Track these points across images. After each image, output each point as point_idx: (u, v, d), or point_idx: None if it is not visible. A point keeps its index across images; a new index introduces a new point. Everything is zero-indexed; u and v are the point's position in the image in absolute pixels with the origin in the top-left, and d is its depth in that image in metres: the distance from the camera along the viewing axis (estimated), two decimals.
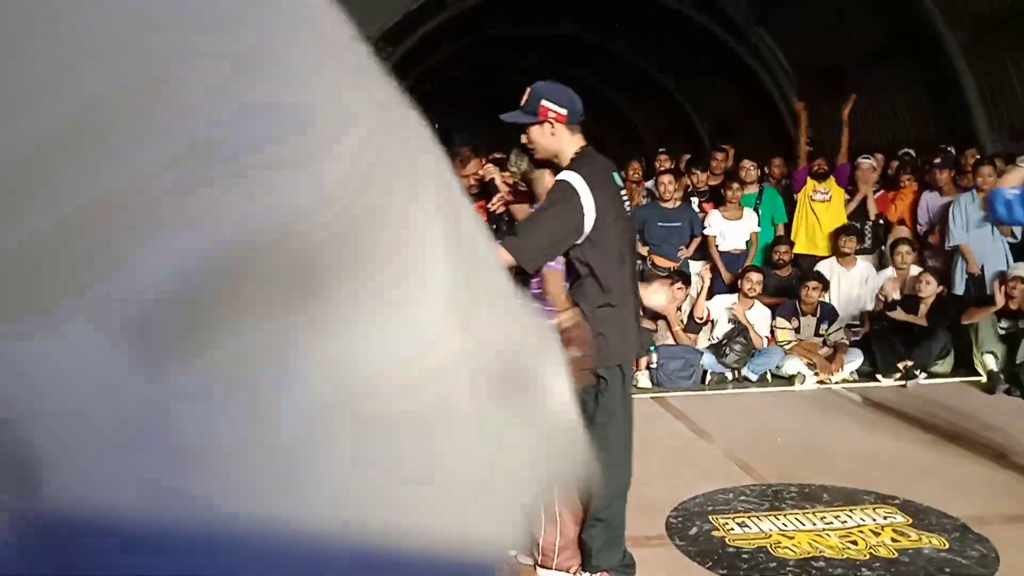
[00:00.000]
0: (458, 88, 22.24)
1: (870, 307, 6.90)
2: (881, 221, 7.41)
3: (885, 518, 3.77)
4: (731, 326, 6.52)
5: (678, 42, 16.14)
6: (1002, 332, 6.26)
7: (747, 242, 7.18)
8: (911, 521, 3.73)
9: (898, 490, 4.08)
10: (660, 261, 7.08)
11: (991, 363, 6.06)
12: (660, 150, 8.06)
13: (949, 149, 8.55)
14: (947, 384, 6.28)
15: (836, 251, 6.95)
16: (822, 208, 7.20)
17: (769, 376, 6.45)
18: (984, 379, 6.08)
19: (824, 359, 6.38)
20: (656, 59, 17.79)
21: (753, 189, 7.42)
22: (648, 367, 6.39)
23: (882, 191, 7.56)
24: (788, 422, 5.41)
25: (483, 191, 4.31)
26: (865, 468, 4.43)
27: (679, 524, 3.77)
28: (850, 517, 3.79)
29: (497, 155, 7.07)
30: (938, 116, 11.60)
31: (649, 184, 7.56)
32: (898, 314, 6.42)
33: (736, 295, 6.65)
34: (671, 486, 4.21)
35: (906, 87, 12.13)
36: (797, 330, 6.58)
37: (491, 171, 4.14)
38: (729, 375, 6.48)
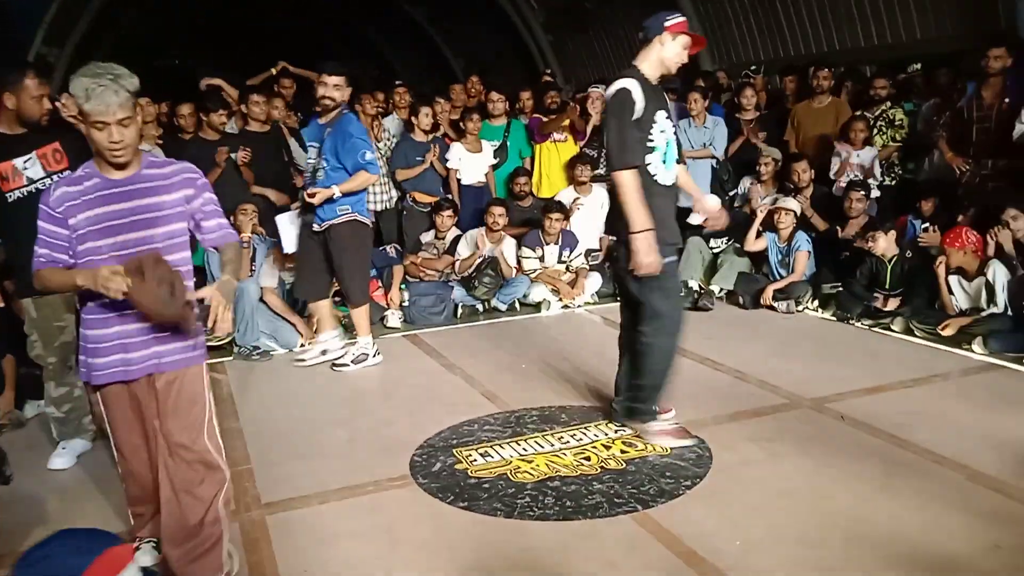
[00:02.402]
0: (201, 23, 20.56)
1: (607, 231, 7.24)
2: None
3: (616, 432, 3.97)
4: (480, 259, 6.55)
5: None
6: (714, 251, 6.78)
7: (485, 175, 7.22)
8: (639, 432, 3.95)
9: None
10: (421, 197, 6.96)
11: (692, 284, 6.59)
12: (397, 83, 7.82)
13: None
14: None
15: (573, 180, 7.17)
16: (561, 148, 7.34)
17: (518, 305, 6.59)
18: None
19: (567, 284, 6.62)
20: None
21: (501, 121, 7.45)
22: (400, 306, 6.30)
23: None
24: (534, 348, 5.55)
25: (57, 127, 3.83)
26: (601, 386, 4.64)
27: (423, 461, 3.73)
28: (585, 434, 3.95)
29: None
30: None
31: (388, 120, 7.36)
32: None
33: (482, 228, 6.68)
34: (417, 424, 4.18)
35: (640, 23, 12.78)
36: (542, 259, 6.76)
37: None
38: (480, 307, 6.55)
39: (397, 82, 7.98)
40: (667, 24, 3.65)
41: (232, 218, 5.84)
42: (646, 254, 3.53)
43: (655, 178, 3.64)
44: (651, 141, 3.62)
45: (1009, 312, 5.07)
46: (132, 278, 2.38)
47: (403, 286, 6.40)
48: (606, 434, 3.95)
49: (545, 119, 7.44)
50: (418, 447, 3.89)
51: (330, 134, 4.86)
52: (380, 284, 6.44)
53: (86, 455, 3.97)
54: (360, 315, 5.23)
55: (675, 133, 3.78)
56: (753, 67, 9.32)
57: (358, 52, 21.41)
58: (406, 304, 6.32)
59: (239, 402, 4.73)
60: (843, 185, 6.57)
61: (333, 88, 4.83)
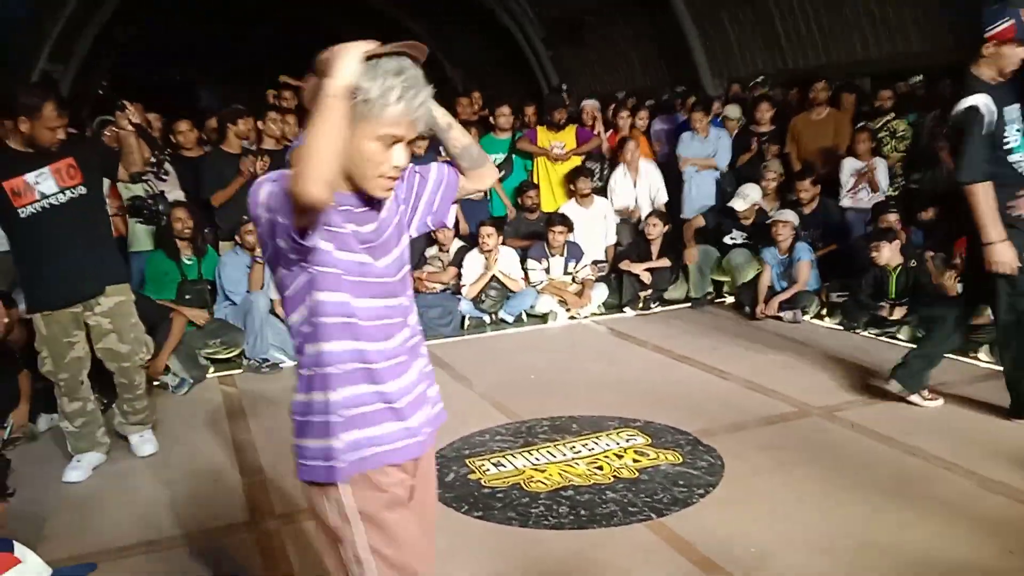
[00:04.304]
0: (202, 40, 20.64)
1: (612, 241, 7.28)
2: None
3: (627, 440, 4.00)
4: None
5: None
6: (732, 243, 6.83)
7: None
8: (650, 441, 3.98)
9: (639, 413, 4.35)
10: None
11: (697, 290, 6.72)
12: None
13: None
14: (680, 310, 6.79)
15: (574, 193, 7.21)
16: (561, 167, 7.39)
17: (525, 316, 6.63)
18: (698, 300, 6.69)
19: (574, 295, 6.66)
20: (407, 5, 17.57)
21: (507, 135, 7.51)
22: None
23: (611, 131, 7.88)
24: (542, 359, 5.58)
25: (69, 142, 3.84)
26: (611, 395, 4.67)
27: (436, 472, 3.75)
28: (596, 444, 3.98)
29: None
30: (669, 67, 12.47)
31: None
32: (626, 265, 6.81)
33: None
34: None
35: (639, 40, 12.91)
36: (548, 270, 6.79)
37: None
38: (487, 319, 6.58)
39: None
40: (988, 34, 3.81)
41: (239, 236, 5.90)
42: (997, 257, 3.81)
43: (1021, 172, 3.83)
44: (1007, 143, 3.81)
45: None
46: None
47: None
48: (617, 443, 3.97)
49: (544, 130, 7.46)
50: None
51: None
52: None
53: (101, 468, 4.00)
54: None
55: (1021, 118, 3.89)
56: (760, 78, 9.36)
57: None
58: None
59: (250, 414, 4.77)
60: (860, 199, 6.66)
61: None
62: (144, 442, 4.19)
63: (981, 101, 3.75)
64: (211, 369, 5.63)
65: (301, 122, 7.40)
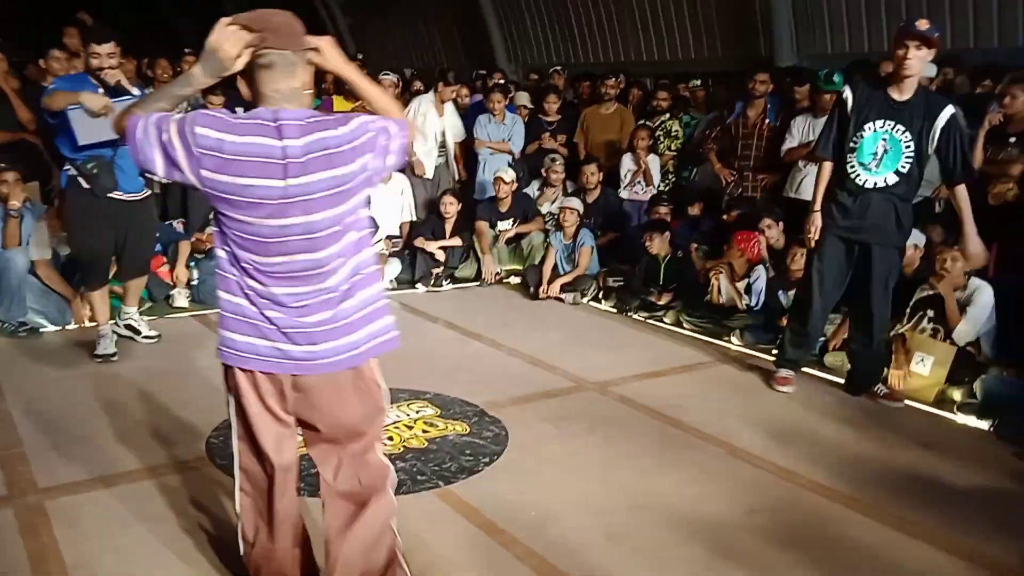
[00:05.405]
0: None
1: (408, 218, 7.32)
2: None
3: (418, 412, 4.08)
4: None
5: None
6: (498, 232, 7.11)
7: None
8: (439, 412, 4.09)
9: (430, 386, 4.44)
10: None
11: (488, 269, 6.99)
12: (186, 51, 7.36)
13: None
14: (470, 288, 6.98)
15: None
16: None
17: None
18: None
19: None
20: None
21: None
22: (188, 284, 6.01)
23: None
24: None
25: None
26: (402, 369, 4.68)
27: (221, 444, 3.63)
28: (387, 415, 4.01)
29: None
30: (467, 48, 12.66)
31: None
32: (421, 242, 6.90)
33: None
34: (211, 406, 4.02)
35: (441, 19, 13.00)
36: None
37: None
38: None
39: (186, 50, 7.52)
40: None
41: None
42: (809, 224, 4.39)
43: (852, 176, 4.20)
44: (852, 143, 4.16)
45: (760, 308, 5.73)
46: None
47: (191, 264, 6.10)
48: (408, 415, 4.04)
49: (342, 99, 7.37)
50: (215, 429, 3.78)
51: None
52: (165, 260, 6.10)
53: None
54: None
55: (904, 142, 4.11)
56: (559, 67, 9.71)
57: (145, 18, 19.84)
58: (195, 283, 6.04)
59: (5, 383, 4.33)
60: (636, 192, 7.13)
61: (108, 57, 4.49)
62: None
63: (848, 91, 4.22)
64: None
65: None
